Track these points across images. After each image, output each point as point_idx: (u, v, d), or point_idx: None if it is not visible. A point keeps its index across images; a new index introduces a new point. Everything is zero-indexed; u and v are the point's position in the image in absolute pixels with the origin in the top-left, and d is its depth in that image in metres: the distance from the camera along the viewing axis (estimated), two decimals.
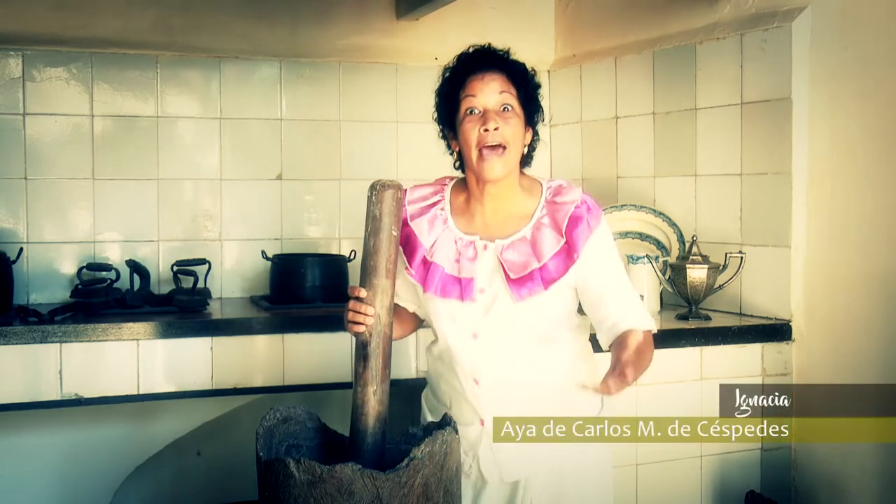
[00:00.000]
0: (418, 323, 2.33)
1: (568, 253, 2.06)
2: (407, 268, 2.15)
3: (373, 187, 2.01)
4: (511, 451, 2.10)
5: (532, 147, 2.17)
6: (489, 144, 2.05)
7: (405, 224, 2.16)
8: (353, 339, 2.07)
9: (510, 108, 2.08)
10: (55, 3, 3.34)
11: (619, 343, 2.04)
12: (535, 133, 2.17)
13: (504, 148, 2.06)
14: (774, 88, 3.02)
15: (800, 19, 2.96)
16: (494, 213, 2.13)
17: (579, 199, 2.09)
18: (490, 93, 2.07)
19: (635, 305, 2.13)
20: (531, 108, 2.14)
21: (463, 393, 2.13)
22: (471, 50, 2.15)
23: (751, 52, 3.10)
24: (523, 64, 2.15)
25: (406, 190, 2.16)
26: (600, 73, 3.72)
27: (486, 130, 2.05)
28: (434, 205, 2.17)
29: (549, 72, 3.93)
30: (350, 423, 2.07)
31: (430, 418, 2.23)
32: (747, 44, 3.11)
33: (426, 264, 2.12)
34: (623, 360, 1.96)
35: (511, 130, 2.07)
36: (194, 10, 3.50)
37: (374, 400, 2.04)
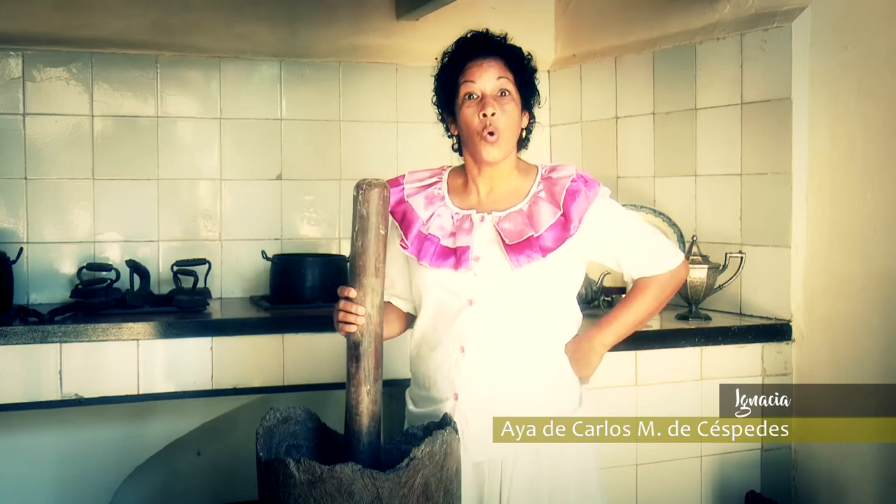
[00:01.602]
0: (408, 323, 2.33)
1: (564, 225, 2.09)
2: (402, 239, 2.17)
3: (358, 186, 2.01)
4: (480, 432, 2.09)
5: (529, 130, 2.22)
6: (488, 130, 2.09)
7: (402, 201, 2.20)
8: (347, 339, 2.06)
9: (507, 92, 2.12)
10: (55, 3, 3.34)
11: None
12: (532, 116, 2.22)
13: (501, 133, 2.10)
14: (774, 88, 3.02)
15: (800, 19, 2.96)
16: (490, 191, 2.17)
17: (574, 173, 2.14)
18: (488, 78, 2.11)
19: (649, 252, 2.19)
20: (527, 93, 2.18)
21: (443, 366, 2.12)
22: (469, 35, 2.19)
23: (751, 52, 3.10)
24: (520, 49, 2.19)
25: (404, 174, 2.24)
26: (600, 73, 3.72)
27: (483, 115, 2.09)
28: (431, 185, 2.22)
29: (549, 72, 3.93)
30: (344, 424, 2.07)
31: (412, 408, 2.23)
32: (747, 44, 3.11)
33: (421, 237, 2.15)
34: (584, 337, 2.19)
35: (507, 116, 2.11)
36: (194, 10, 3.50)
37: (367, 399, 2.03)
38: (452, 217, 2.15)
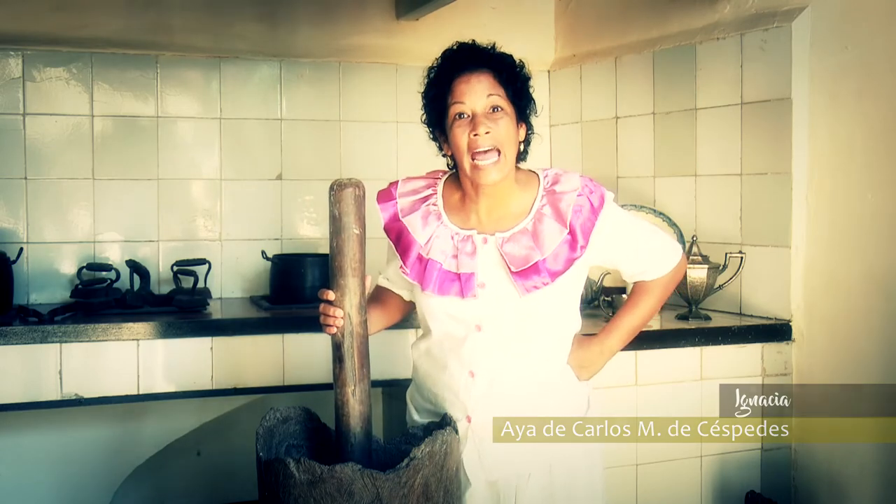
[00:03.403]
0: (408, 309, 2.30)
1: (571, 245, 2.03)
2: (402, 266, 2.11)
3: (331, 187, 1.99)
4: (496, 452, 2.08)
5: (527, 142, 2.12)
6: (481, 149, 1.99)
7: (396, 219, 2.13)
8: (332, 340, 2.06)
9: (500, 108, 2.02)
10: (55, 3, 3.33)
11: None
12: (529, 127, 2.12)
13: (499, 152, 2.00)
14: (774, 88, 3.02)
15: (800, 19, 2.96)
16: (490, 211, 2.08)
17: (579, 186, 2.05)
18: (478, 96, 2.00)
19: (651, 257, 2.17)
20: (522, 104, 2.08)
21: (453, 388, 2.09)
22: (455, 47, 2.08)
23: (751, 52, 3.10)
24: (511, 57, 2.08)
25: (396, 182, 2.17)
26: (600, 73, 3.72)
27: (475, 135, 1.99)
28: (426, 199, 2.13)
29: (549, 72, 3.93)
30: (334, 424, 2.07)
31: (416, 417, 2.21)
32: (747, 44, 3.11)
33: (422, 261, 2.08)
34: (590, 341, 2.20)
35: (503, 132, 2.01)
36: (194, 10, 3.50)
37: (353, 400, 2.03)
38: (452, 238, 2.07)
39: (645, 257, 2.17)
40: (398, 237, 2.12)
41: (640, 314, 2.23)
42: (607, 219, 2.07)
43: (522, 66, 2.09)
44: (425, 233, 2.09)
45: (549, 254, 2.02)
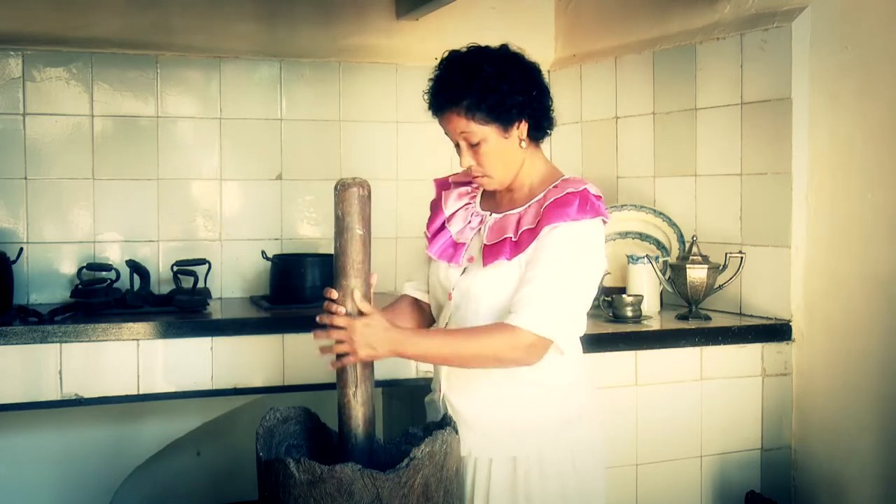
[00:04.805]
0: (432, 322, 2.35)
1: (533, 232, 2.04)
2: (426, 232, 2.24)
3: (335, 187, 2.00)
4: (462, 425, 2.10)
5: (537, 127, 2.15)
6: (475, 175, 2.12)
7: (439, 195, 2.26)
8: None
9: (477, 141, 2.05)
10: (55, 3, 3.33)
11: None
12: (533, 113, 2.12)
13: (489, 176, 2.11)
14: (774, 88, 3.02)
15: (800, 19, 2.96)
16: (503, 194, 2.19)
17: (579, 188, 2.05)
18: (454, 135, 2.09)
19: (536, 305, 1.96)
20: (503, 113, 2.04)
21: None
22: (430, 84, 2.10)
23: (751, 52, 3.10)
24: (476, 70, 2.01)
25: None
26: (600, 73, 3.72)
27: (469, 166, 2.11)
28: (470, 183, 2.25)
29: (549, 72, 3.93)
30: (337, 425, 2.07)
31: (428, 411, 2.28)
32: (747, 44, 3.11)
33: (441, 229, 2.21)
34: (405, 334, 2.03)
35: (486, 160, 2.08)
36: (194, 10, 3.50)
37: (355, 401, 2.03)
38: (473, 215, 2.20)
39: (525, 294, 1.98)
40: (434, 205, 2.27)
41: (438, 343, 2.03)
42: (565, 234, 2.00)
43: (491, 73, 2.02)
44: (453, 206, 2.23)
45: (521, 234, 2.06)
